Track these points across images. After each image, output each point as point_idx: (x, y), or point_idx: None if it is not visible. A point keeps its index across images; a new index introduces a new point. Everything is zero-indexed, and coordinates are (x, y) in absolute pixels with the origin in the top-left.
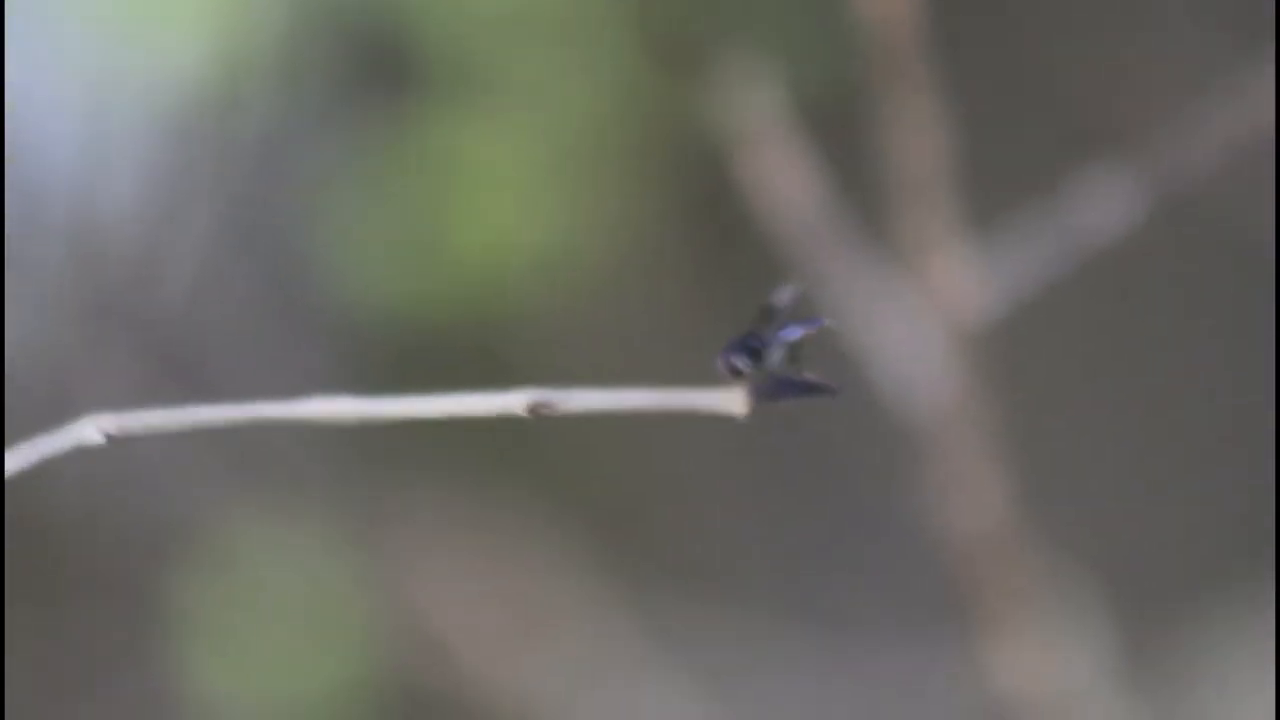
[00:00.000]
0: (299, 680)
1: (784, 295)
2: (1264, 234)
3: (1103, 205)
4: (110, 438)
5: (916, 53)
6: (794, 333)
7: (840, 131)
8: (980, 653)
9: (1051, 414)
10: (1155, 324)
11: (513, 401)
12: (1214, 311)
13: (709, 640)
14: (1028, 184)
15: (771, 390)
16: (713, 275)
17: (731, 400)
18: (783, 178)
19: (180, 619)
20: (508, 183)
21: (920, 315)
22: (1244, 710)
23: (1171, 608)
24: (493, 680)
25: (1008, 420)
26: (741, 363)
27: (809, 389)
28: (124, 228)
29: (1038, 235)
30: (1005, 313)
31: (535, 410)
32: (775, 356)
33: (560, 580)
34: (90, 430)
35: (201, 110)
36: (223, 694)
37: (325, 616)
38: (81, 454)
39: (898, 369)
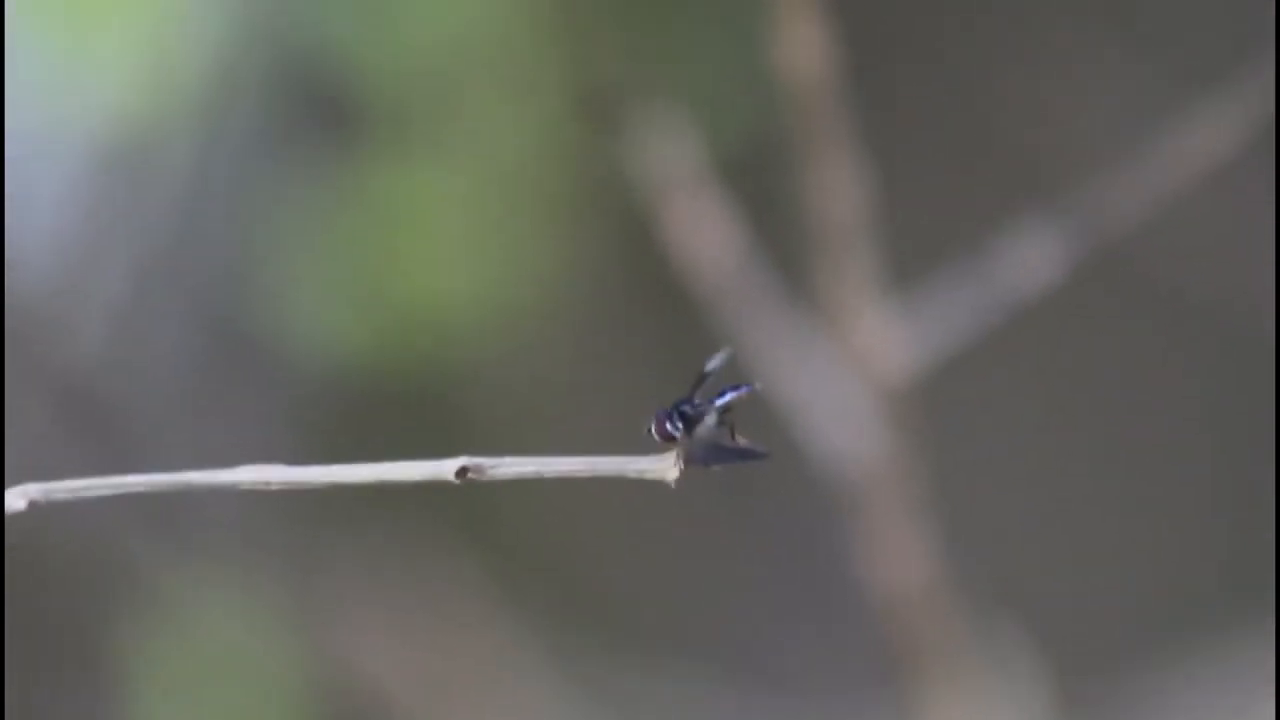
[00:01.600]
0: None
1: (715, 361)
2: (1197, 284)
3: (1029, 258)
4: (34, 504)
5: (836, 106)
6: (725, 399)
7: (762, 185)
8: (914, 711)
9: (982, 470)
10: (1086, 376)
11: (443, 468)
12: (1146, 363)
13: (642, 698)
14: (953, 237)
15: (703, 456)
16: (650, 321)
17: (663, 466)
18: (703, 231)
19: (126, 673)
20: (444, 227)
21: (844, 371)
22: None
23: (1109, 664)
24: None
25: (937, 477)
26: (674, 428)
27: (740, 455)
28: (52, 271)
29: (963, 290)
30: (931, 368)
31: (465, 477)
32: (708, 422)
33: (494, 634)
34: (15, 498)
35: (135, 149)
36: None
37: (262, 668)
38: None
39: (823, 426)
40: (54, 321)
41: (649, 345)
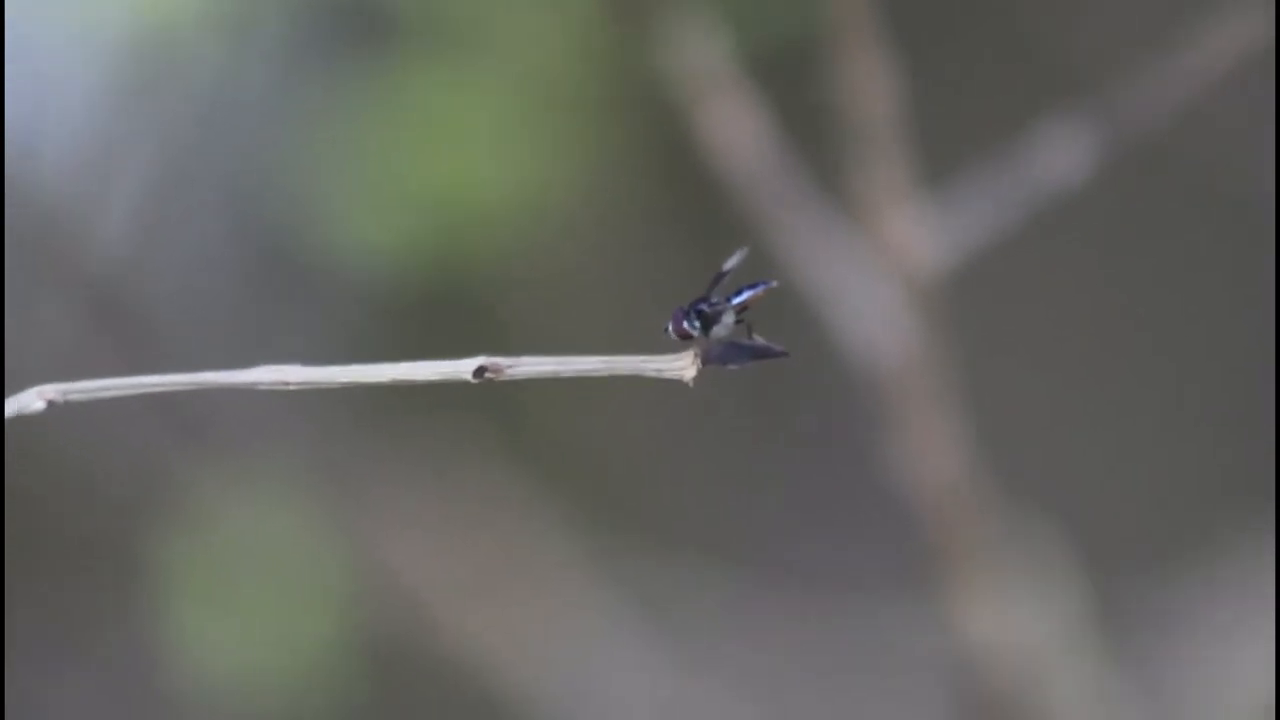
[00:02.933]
0: (278, 638)
1: (732, 260)
2: (1229, 178)
3: (1060, 154)
4: (52, 404)
5: (869, 5)
6: (743, 297)
7: (795, 86)
8: (948, 608)
9: (1019, 366)
10: (1119, 272)
11: (461, 368)
12: (1179, 257)
13: (679, 597)
14: (985, 135)
15: (720, 355)
16: (683, 218)
17: (680, 365)
18: (736, 132)
19: (160, 579)
20: (476, 129)
21: (875, 267)
22: (1221, 664)
23: (1146, 562)
24: (467, 637)
25: (973, 372)
26: (691, 328)
27: (757, 353)
28: (83, 183)
29: (995, 186)
30: (962, 263)
31: (483, 376)
32: (725, 321)
33: (533, 538)
34: (32, 398)
35: (166, 54)
36: (203, 653)
37: (302, 575)
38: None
39: (854, 321)
40: (83, 225)
41: (681, 243)
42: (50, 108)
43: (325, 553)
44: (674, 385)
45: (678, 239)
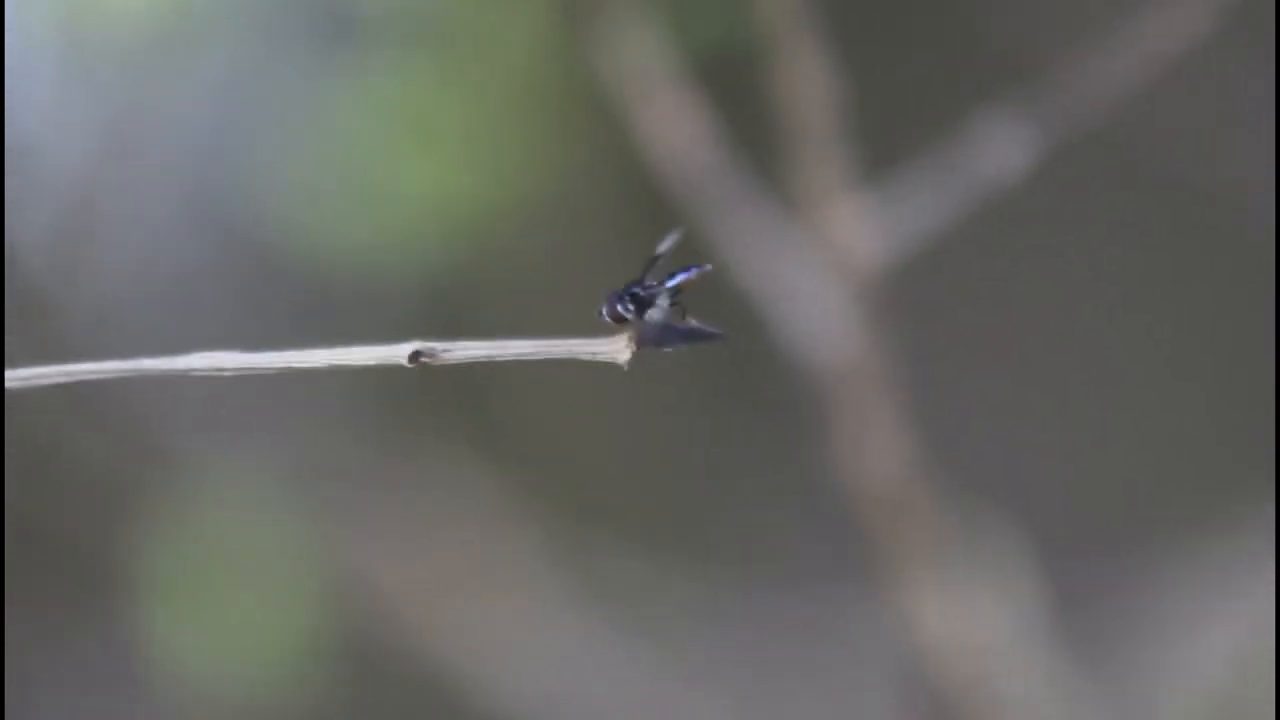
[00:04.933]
0: (252, 638)
1: (665, 243)
2: (1166, 166)
3: (1000, 145)
4: None
5: (805, 4)
6: (676, 280)
7: (735, 84)
8: (901, 603)
9: (974, 359)
10: (1071, 261)
11: (396, 353)
12: (1130, 246)
13: (646, 594)
14: (926, 127)
15: (655, 337)
16: (634, 214)
17: (615, 348)
18: (677, 131)
19: (134, 579)
20: (450, 131)
21: (819, 263)
22: (1178, 657)
23: (1102, 556)
24: (438, 637)
25: (927, 365)
26: (625, 311)
27: (692, 336)
28: (66, 172)
29: (936, 179)
30: (906, 258)
31: (418, 361)
32: (659, 304)
33: (503, 537)
34: None
35: (145, 57)
36: (178, 652)
37: (276, 575)
38: (34, 407)
39: (799, 318)
40: (85, 222)
41: (633, 238)
42: (54, 98)
43: (298, 553)
44: (644, 387)
45: (632, 232)
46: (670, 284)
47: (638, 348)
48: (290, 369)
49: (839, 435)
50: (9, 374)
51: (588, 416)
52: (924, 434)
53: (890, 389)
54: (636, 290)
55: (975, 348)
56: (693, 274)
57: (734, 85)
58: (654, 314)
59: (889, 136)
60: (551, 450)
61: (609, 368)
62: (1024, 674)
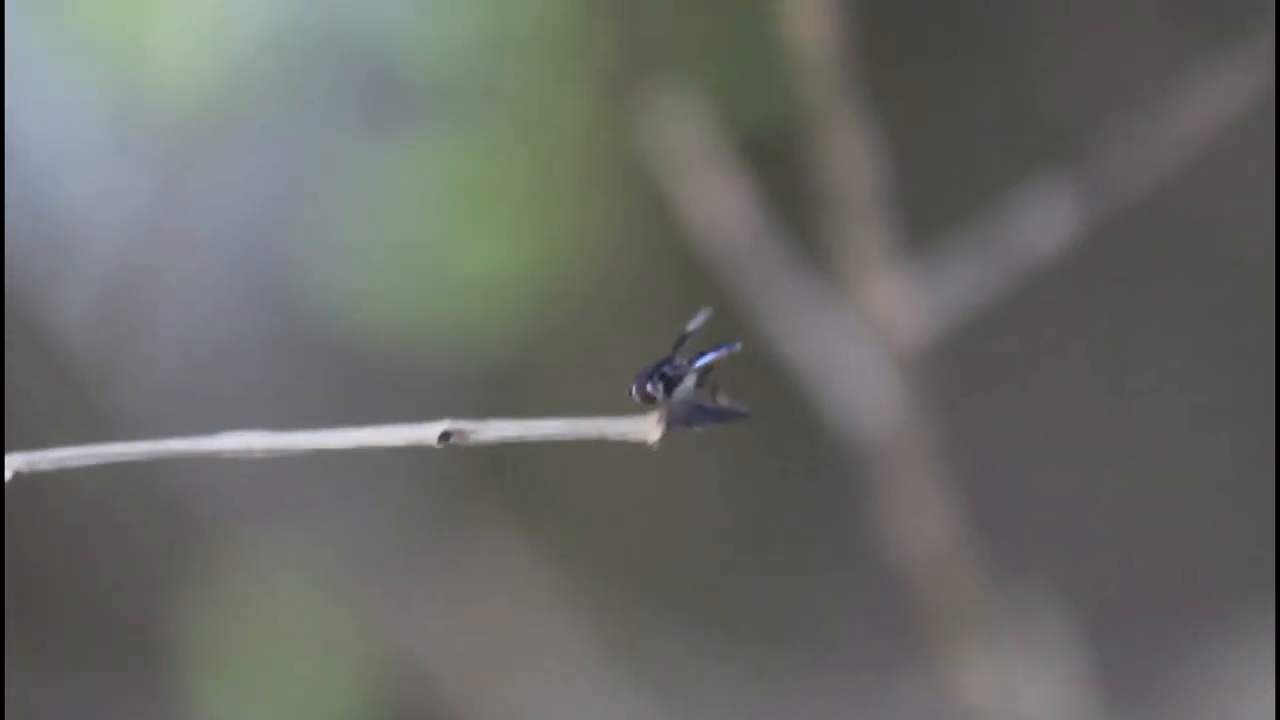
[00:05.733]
0: (299, 712)
1: (695, 321)
2: (1212, 239)
3: (1044, 220)
4: (19, 474)
5: (848, 73)
6: (706, 359)
7: (779, 159)
8: (942, 676)
9: (1014, 434)
10: (1111, 334)
11: (426, 433)
12: (1175, 321)
13: (687, 669)
14: (970, 201)
15: (684, 417)
16: (681, 290)
17: (645, 428)
18: (720, 205)
19: (181, 655)
20: (499, 203)
21: (863, 337)
22: None
23: (1149, 633)
24: (483, 710)
25: (965, 441)
26: (655, 390)
27: (721, 415)
28: (115, 247)
29: (979, 253)
30: (949, 331)
31: (449, 441)
32: (686, 383)
33: (546, 612)
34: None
35: (195, 130)
36: None
37: (322, 650)
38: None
39: (843, 391)
40: (134, 298)
41: (677, 313)
42: (103, 168)
43: (345, 628)
44: (681, 456)
45: (678, 309)
46: (699, 363)
47: (667, 427)
48: (320, 449)
49: (884, 507)
50: (39, 456)
51: (633, 490)
52: (968, 505)
53: (934, 461)
54: (665, 370)
55: (1021, 418)
56: (722, 353)
57: (777, 159)
58: (682, 393)
59: (931, 210)
60: (596, 524)
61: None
62: None
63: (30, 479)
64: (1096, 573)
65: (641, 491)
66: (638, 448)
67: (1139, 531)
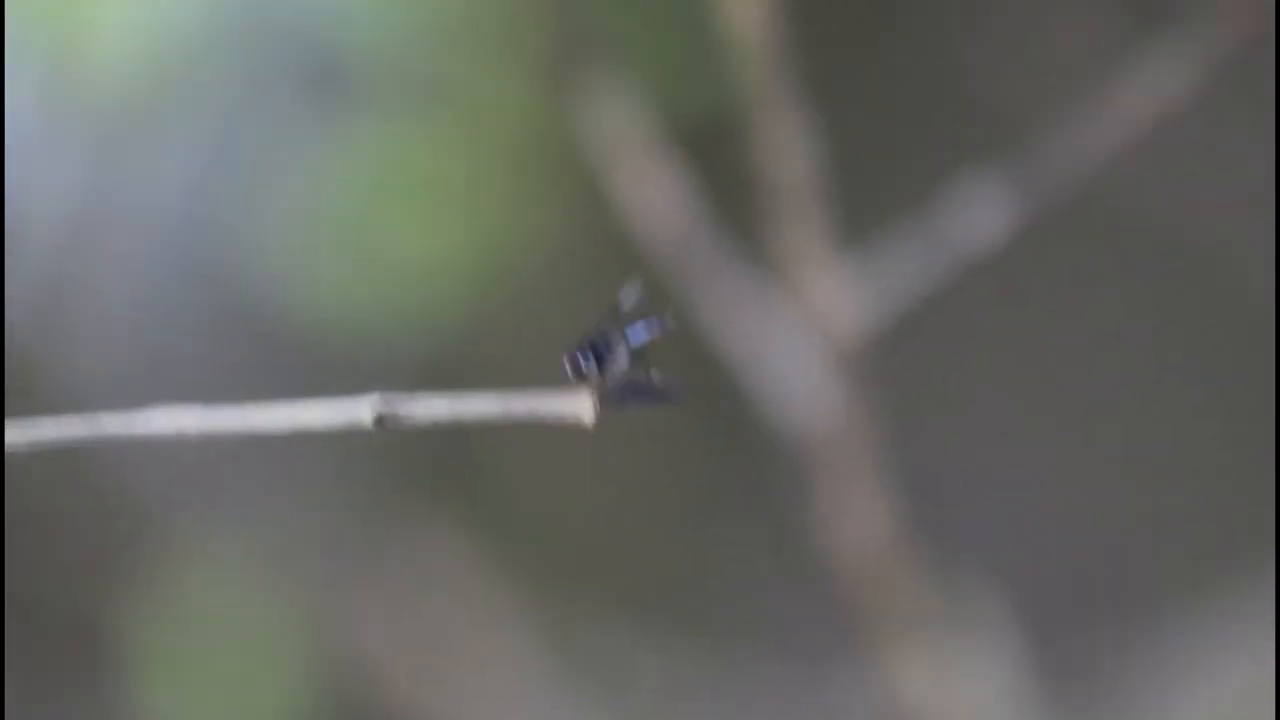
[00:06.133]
0: (239, 707)
1: (628, 296)
2: (1156, 225)
3: (981, 211)
4: None
5: (784, 65)
6: (640, 334)
7: (719, 150)
8: (885, 669)
9: (952, 427)
10: (1047, 325)
11: (358, 410)
12: (1108, 309)
13: (628, 663)
14: (908, 193)
15: (618, 395)
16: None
17: (579, 406)
18: (658, 195)
19: (126, 649)
20: (435, 192)
21: (800, 330)
22: None
23: (1085, 622)
24: (423, 706)
25: (903, 434)
26: (587, 364)
27: (655, 394)
28: (52, 233)
29: (916, 246)
30: (887, 324)
31: (381, 419)
32: (618, 357)
33: (489, 605)
34: None
35: (133, 112)
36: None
37: (263, 643)
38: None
39: (780, 385)
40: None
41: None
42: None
43: (288, 623)
44: (619, 448)
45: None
46: (631, 335)
47: (601, 406)
48: (251, 428)
49: (821, 500)
50: None
51: (573, 485)
52: (906, 498)
53: (872, 453)
54: (596, 342)
55: (960, 409)
56: (654, 325)
57: (714, 149)
58: (616, 371)
59: (870, 201)
60: (536, 519)
61: (586, 432)
62: None
63: None
64: (1035, 566)
65: (582, 486)
66: (578, 438)
67: (1078, 525)
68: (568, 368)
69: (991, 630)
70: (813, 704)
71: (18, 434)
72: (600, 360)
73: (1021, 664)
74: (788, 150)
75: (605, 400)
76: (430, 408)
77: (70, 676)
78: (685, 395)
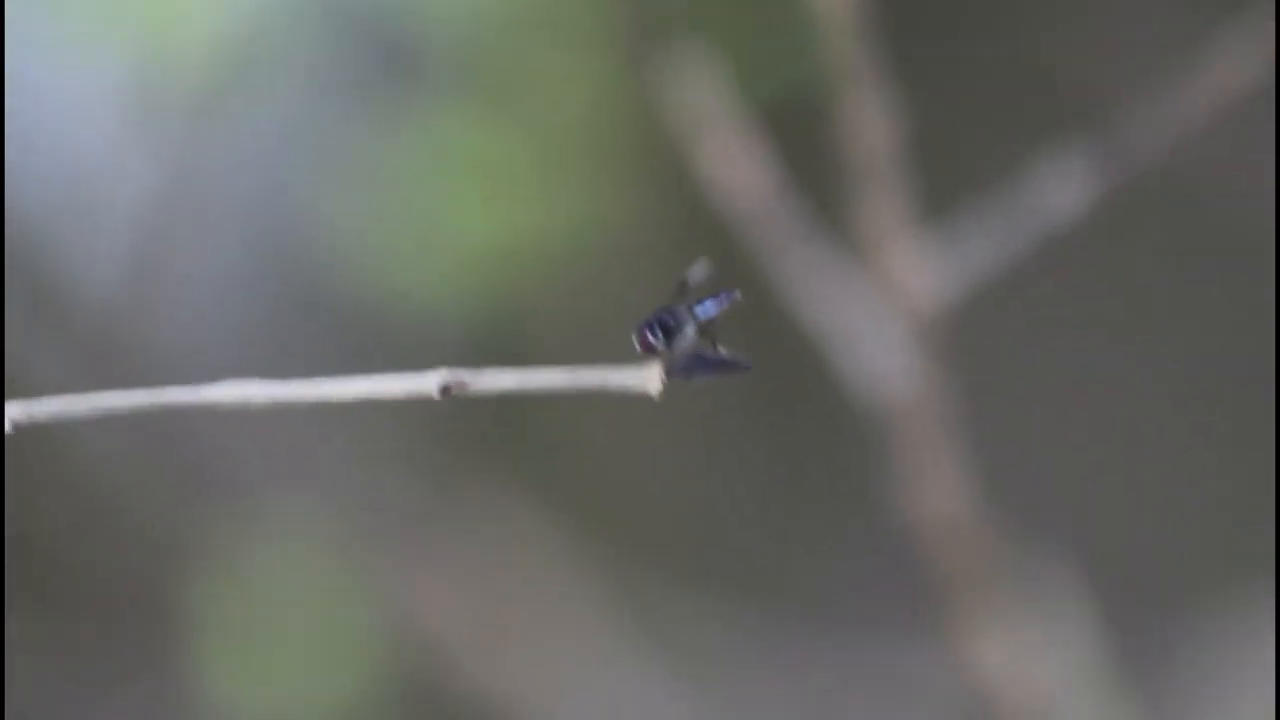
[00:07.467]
0: (307, 681)
1: (695, 270)
2: (1235, 208)
3: (1062, 186)
4: (18, 426)
5: (869, 39)
6: (708, 309)
7: (800, 124)
8: (958, 644)
9: (1030, 401)
10: (1125, 303)
11: (426, 383)
12: (1186, 289)
13: (700, 636)
14: (989, 168)
15: (685, 368)
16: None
17: (645, 379)
18: (739, 170)
19: (190, 622)
20: (508, 175)
21: (879, 302)
22: (1234, 707)
23: (1161, 600)
24: (493, 679)
25: (981, 408)
26: (655, 340)
27: (721, 367)
28: (127, 222)
29: (997, 219)
30: (966, 298)
31: (448, 391)
32: (686, 332)
33: (555, 578)
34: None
35: (209, 99)
36: (235, 698)
37: (331, 617)
38: (93, 454)
39: (858, 356)
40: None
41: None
42: (115, 144)
43: (356, 595)
44: (694, 419)
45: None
46: (698, 309)
47: (667, 378)
48: (319, 400)
49: (899, 475)
50: (37, 407)
51: (644, 456)
52: (983, 473)
53: (951, 428)
54: (664, 318)
55: (1039, 386)
56: (723, 301)
57: (796, 126)
58: (683, 343)
59: (951, 176)
60: (607, 490)
61: (659, 407)
62: (1081, 717)
63: (40, 443)
64: (1111, 541)
65: (653, 458)
66: (648, 409)
67: (1154, 500)
68: (635, 342)
69: (1068, 606)
70: (887, 677)
71: (89, 405)
72: (668, 334)
73: (1095, 639)
74: (871, 126)
75: (671, 372)
76: (496, 380)
77: (140, 652)
78: (750, 368)
